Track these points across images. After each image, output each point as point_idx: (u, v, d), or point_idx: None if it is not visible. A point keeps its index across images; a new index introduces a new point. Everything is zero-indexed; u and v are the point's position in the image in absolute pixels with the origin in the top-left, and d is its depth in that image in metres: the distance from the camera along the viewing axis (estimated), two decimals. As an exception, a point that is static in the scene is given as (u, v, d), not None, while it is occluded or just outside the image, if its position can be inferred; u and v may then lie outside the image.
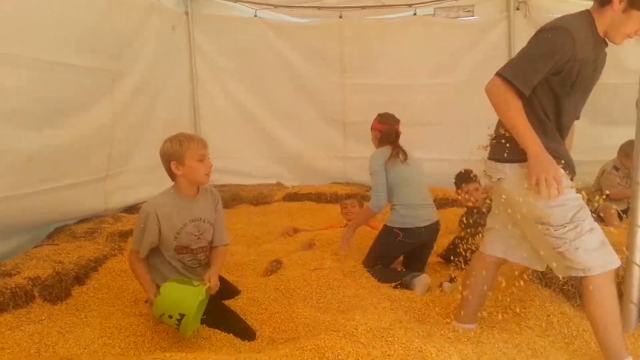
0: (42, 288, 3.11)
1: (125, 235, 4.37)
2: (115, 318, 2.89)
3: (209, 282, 2.69)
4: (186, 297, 2.53)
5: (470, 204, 4.05)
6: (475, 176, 4.22)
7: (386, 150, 3.75)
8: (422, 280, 3.39)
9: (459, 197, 4.36)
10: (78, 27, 4.16)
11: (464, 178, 4.30)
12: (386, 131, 3.82)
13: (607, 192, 4.75)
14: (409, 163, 3.71)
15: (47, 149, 3.97)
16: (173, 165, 2.73)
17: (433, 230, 3.71)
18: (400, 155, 3.69)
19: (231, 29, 6.58)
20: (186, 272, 2.89)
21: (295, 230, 4.69)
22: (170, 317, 2.51)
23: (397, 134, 3.83)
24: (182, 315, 2.49)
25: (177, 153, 2.72)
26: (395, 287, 3.42)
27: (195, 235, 2.85)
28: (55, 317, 2.94)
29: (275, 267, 3.69)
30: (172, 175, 2.81)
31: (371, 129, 3.97)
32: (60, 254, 3.66)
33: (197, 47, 6.54)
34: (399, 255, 3.80)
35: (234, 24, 6.59)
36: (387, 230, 3.67)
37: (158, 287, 2.71)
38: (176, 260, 2.86)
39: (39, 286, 3.10)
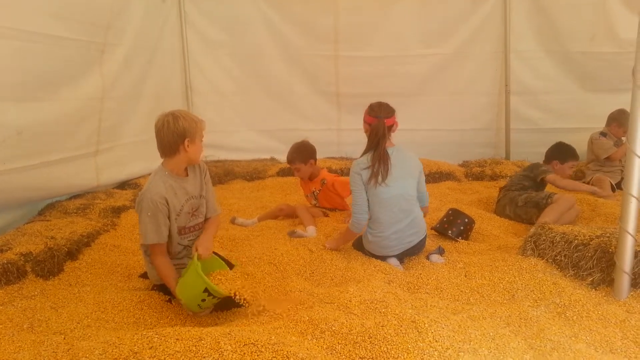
0: (34, 263, 3.09)
1: (118, 210, 4.36)
2: (108, 293, 2.88)
3: (196, 251, 2.65)
4: (193, 287, 2.55)
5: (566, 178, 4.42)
6: None
7: (364, 163, 3.28)
8: (390, 261, 3.37)
9: (555, 172, 4.46)
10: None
11: (571, 154, 4.43)
12: (375, 126, 3.27)
13: (606, 155, 4.84)
14: (389, 184, 3.24)
15: (35, 123, 3.92)
16: (186, 142, 2.66)
17: (409, 252, 3.40)
18: (380, 177, 3.23)
19: (222, 0, 6.46)
20: (187, 253, 2.87)
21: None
22: (204, 300, 2.55)
23: (388, 129, 3.31)
24: (206, 292, 2.52)
25: (192, 131, 2.66)
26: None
27: (190, 213, 2.82)
28: (47, 292, 2.93)
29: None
30: (174, 153, 2.69)
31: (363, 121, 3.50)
32: (52, 229, 3.65)
33: (188, 19, 6.44)
34: None
35: (225, -5, 6.48)
36: (361, 243, 3.51)
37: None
38: (176, 244, 2.82)
39: (31, 261, 3.08)
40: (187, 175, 2.83)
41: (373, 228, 3.35)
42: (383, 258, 3.38)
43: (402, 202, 3.31)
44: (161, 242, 2.69)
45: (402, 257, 3.41)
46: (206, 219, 2.96)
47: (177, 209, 2.74)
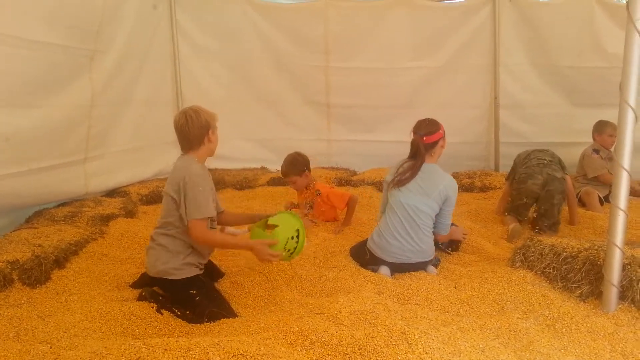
0: (21, 271, 3.05)
1: (106, 219, 4.31)
2: (96, 302, 2.85)
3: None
4: (286, 218, 2.93)
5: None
6: None
7: (394, 168, 3.46)
8: (381, 270, 3.37)
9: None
10: (51, 5, 4.06)
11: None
12: (413, 142, 3.40)
13: (594, 174, 4.91)
14: (402, 190, 3.33)
15: (23, 129, 3.90)
16: (210, 132, 2.88)
17: (403, 267, 3.37)
18: (398, 182, 3.34)
19: (214, 8, 6.47)
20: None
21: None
22: (292, 237, 2.84)
23: (428, 146, 3.35)
24: (297, 231, 2.86)
25: (213, 122, 2.91)
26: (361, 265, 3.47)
27: (215, 202, 2.98)
28: (34, 301, 2.89)
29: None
30: (199, 146, 2.87)
31: None
32: (40, 237, 3.60)
33: (179, 26, 6.40)
34: None
35: (217, 3, 6.48)
36: (363, 242, 3.59)
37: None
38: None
39: (17, 269, 3.04)
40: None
41: (379, 227, 3.46)
42: (377, 263, 3.38)
43: (408, 212, 3.32)
44: (212, 216, 2.86)
45: (398, 270, 3.38)
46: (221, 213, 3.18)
47: (213, 193, 2.94)
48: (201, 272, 2.91)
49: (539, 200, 4.28)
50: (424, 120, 3.44)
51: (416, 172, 3.34)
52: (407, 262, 3.35)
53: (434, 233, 3.44)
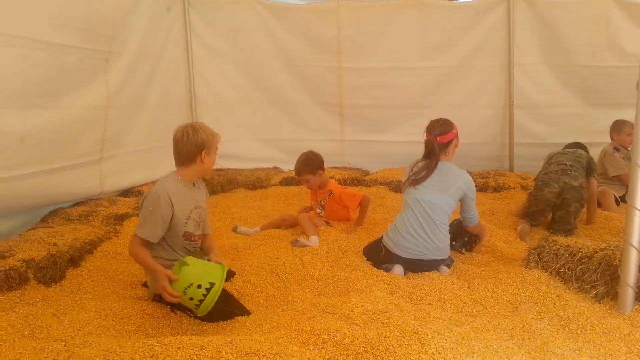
0: (36, 270, 3.08)
1: (121, 218, 4.35)
2: (110, 300, 2.87)
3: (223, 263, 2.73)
4: (213, 268, 2.62)
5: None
6: None
7: (409, 167, 3.50)
8: (395, 269, 3.36)
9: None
10: (65, 6, 4.10)
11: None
12: (427, 142, 3.43)
13: (616, 173, 4.85)
14: (417, 188, 3.37)
15: (39, 131, 3.94)
16: (203, 154, 2.79)
17: (418, 265, 3.37)
18: (412, 180, 3.39)
19: (227, 10, 6.52)
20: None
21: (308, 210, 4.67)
22: (199, 286, 2.52)
23: (443, 146, 3.39)
24: (211, 285, 2.53)
25: (210, 143, 2.81)
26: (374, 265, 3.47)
27: (197, 222, 2.90)
28: (49, 299, 2.92)
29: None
30: (190, 163, 2.82)
31: None
32: (55, 236, 3.64)
33: (193, 29, 6.46)
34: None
35: (230, 5, 6.52)
36: (379, 239, 3.60)
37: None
38: (180, 247, 2.87)
39: (33, 268, 3.07)
40: (195, 185, 2.95)
41: (395, 223, 3.47)
42: (391, 260, 3.38)
43: (423, 208, 3.33)
44: (151, 240, 2.72)
45: (413, 268, 3.38)
46: (204, 235, 3.05)
47: (187, 213, 2.82)
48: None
49: (554, 207, 4.24)
50: (438, 120, 3.47)
51: (432, 171, 3.37)
52: (421, 258, 3.34)
53: (464, 226, 3.56)
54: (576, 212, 4.16)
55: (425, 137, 3.43)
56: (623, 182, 4.97)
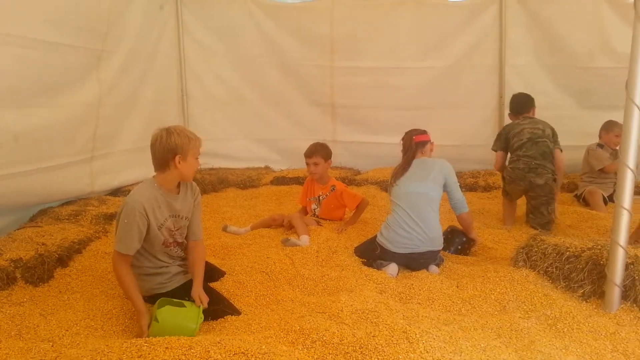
0: (24, 270, 3.06)
1: (110, 217, 4.33)
2: (98, 301, 2.87)
3: (201, 303, 2.62)
4: (186, 320, 2.50)
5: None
6: None
7: (392, 172, 3.68)
8: (389, 268, 3.38)
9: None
10: (59, 4, 4.08)
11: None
12: (404, 139, 3.66)
13: (601, 167, 4.89)
14: (399, 184, 3.51)
15: (33, 129, 3.92)
16: (177, 159, 2.64)
17: (414, 259, 3.42)
18: (394, 178, 3.56)
19: (220, 8, 6.49)
20: (170, 262, 2.84)
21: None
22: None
23: (419, 145, 3.59)
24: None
25: (185, 148, 2.65)
26: (364, 264, 3.51)
27: (172, 230, 2.79)
28: (37, 299, 2.91)
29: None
30: (165, 168, 2.69)
31: None
32: (44, 235, 3.62)
33: (185, 27, 6.44)
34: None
35: (222, 3, 6.49)
36: (373, 238, 3.63)
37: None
38: (162, 254, 2.79)
39: (20, 268, 3.06)
40: (178, 193, 2.80)
41: (387, 219, 3.54)
42: (387, 258, 3.42)
43: (410, 199, 3.44)
44: (128, 253, 2.63)
45: (408, 263, 3.43)
46: (189, 242, 2.92)
47: (160, 222, 2.70)
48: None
49: (526, 195, 4.40)
50: (414, 130, 3.70)
51: (409, 163, 3.55)
52: (417, 251, 3.39)
53: (457, 217, 3.67)
54: (547, 205, 4.26)
55: (401, 140, 3.67)
56: (608, 172, 5.03)
